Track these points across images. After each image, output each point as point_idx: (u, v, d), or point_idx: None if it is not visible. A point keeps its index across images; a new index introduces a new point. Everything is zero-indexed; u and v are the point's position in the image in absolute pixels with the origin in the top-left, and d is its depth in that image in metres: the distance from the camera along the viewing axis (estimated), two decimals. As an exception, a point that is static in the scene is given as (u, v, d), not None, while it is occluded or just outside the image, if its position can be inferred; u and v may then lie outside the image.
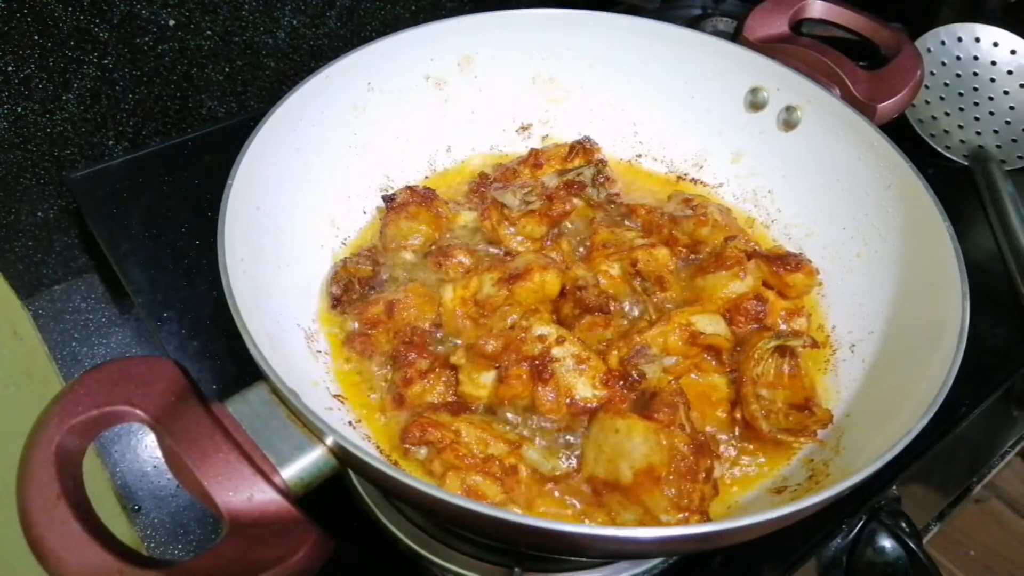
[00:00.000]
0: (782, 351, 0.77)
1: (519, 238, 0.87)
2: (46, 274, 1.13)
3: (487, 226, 0.88)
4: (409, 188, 0.90)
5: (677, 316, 0.77)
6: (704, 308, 0.80)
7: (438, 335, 0.79)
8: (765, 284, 0.84)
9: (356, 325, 0.80)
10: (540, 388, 0.71)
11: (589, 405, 0.71)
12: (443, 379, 0.75)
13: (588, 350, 0.74)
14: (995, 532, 1.52)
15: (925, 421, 0.58)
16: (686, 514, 0.62)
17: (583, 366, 0.72)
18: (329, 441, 0.55)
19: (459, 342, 0.78)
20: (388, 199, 0.90)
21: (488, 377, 0.73)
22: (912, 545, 0.84)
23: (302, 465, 0.56)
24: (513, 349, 0.72)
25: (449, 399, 0.74)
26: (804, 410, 0.75)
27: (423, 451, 0.69)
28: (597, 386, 0.72)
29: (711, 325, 0.77)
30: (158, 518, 0.88)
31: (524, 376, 0.71)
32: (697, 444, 0.65)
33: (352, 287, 0.82)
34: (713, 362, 0.79)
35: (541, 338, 0.73)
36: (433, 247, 0.88)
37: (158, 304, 0.97)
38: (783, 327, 0.82)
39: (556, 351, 0.72)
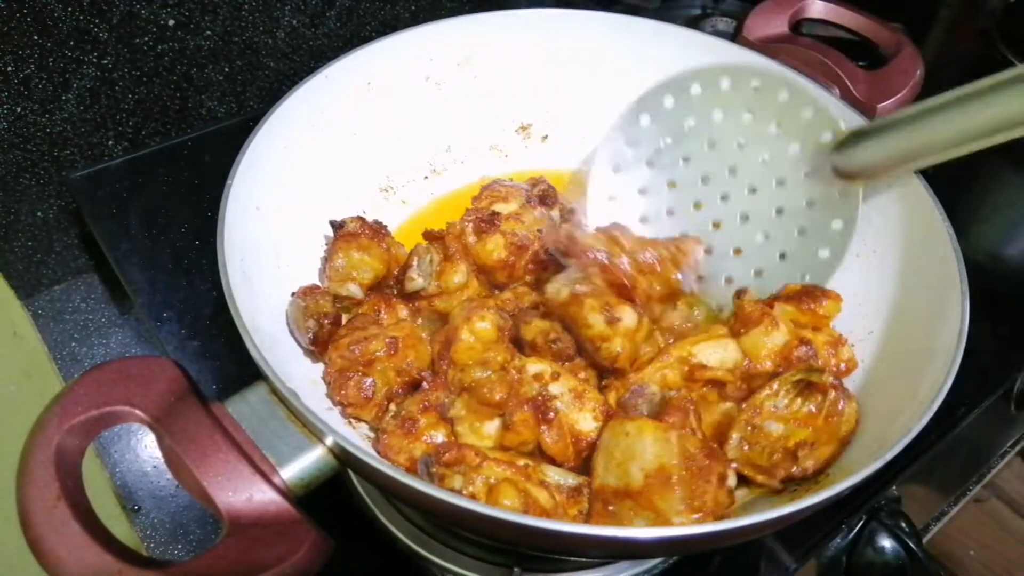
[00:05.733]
0: (808, 388, 0.69)
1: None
2: (46, 274, 1.13)
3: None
4: (360, 218, 0.84)
5: (676, 349, 0.71)
6: (710, 335, 0.74)
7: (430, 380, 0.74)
8: (795, 323, 0.77)
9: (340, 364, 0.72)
10: (545, 430, 0.67)
11: (592, 439, 0.67)
12: (443, 431, 0.70)
13: (583, 382, 0.70)
14: (995, 532, 1.52)
15: (925, 421, 0.58)
16: (700, 515, 0.59)
17: (580, 399, 0.69)
18: (329, 441, 0.55)
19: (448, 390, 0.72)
20: (337, 226, 0.82)
21: (492, 426, 0.69)
22: (912, 545, 0.84)
23: (302, 465, 0.56)
24: (513, 393, 0.68)
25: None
26: (793, 457, 0.67)
27: (424, 452, 0.68)
28: (598, 417, 0.68)
29: (716, 353, 0.71)
30: (158, 518, 0.88)
31: (530, 420, 0.67)
32: (709, 449, 0.63)
33: (322, 323, 0.74)
34: (717, 394, 0.73)
35: (537, 376, 0.69)
36: (383, 284, 0.82)
37: (158, 304, 0.97)
38: (832, 362, 0.74)
39: (553, 388, 0.68)
